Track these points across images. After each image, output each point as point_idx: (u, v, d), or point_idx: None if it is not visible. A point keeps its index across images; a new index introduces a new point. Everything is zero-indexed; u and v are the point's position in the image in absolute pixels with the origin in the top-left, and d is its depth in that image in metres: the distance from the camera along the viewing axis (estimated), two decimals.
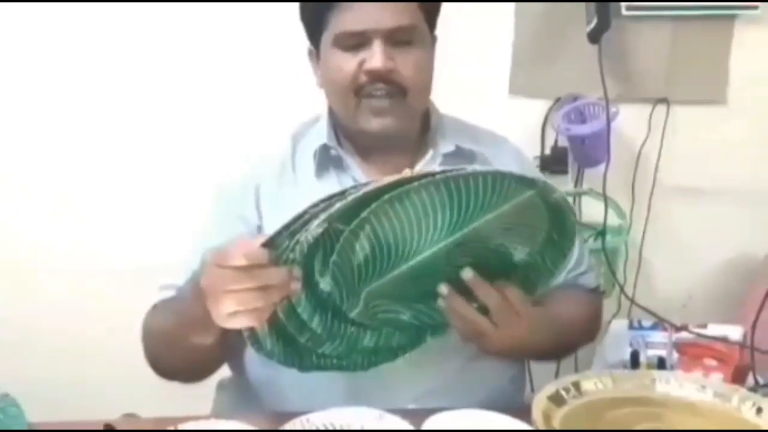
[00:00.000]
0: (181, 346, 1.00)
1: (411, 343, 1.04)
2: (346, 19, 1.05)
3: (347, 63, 1.06)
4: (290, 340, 0.97)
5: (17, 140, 1.79)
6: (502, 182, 0.88)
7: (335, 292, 0.94)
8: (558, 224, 0.96)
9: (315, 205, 0.86)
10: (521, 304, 0.98)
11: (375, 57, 1.04)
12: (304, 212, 0.86)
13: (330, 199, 0.85)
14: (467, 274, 0.96)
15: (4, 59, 1.75)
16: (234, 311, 0.85)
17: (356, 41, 1.05)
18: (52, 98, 1.77)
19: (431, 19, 1.12)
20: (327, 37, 1.08)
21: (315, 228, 0.84)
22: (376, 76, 1.05)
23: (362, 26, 1.04)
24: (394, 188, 0.85)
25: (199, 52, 1.75)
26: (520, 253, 0.98)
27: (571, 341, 1.19)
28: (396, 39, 1.05)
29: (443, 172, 0.85)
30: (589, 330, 1.25)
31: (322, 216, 0.84)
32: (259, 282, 0.84)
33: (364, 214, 0.86)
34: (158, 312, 1.08)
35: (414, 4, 1.07)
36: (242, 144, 1.64)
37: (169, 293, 1.10)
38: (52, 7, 1.72)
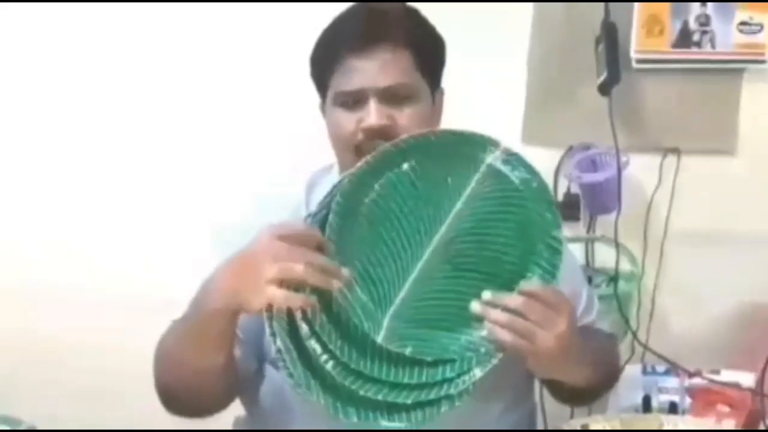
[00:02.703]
0: (191, 365, 1.02)
1: (458, 375, 1.00)
2: (343, 80, 1.12)
3: (347, 121, 1.12)
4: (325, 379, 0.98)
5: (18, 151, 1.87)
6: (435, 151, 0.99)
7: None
8: (535, 199, 1.00)
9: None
10: (549, 294, 0.97)
11: (371, 115, 1.09)
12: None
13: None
14: (485, 295, 0.97)
15: (4, 60, 1.81)
16: (275, 278, 0.90)
17: (354, 100, 1.11)
18: (52, 116, 1.85)
19: (430, 75, 1.16)
20: (330, 95, 1.15)
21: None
22: (372, 134, 1.09)
23: (358, 86, 1.10)
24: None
25: (206, 89, 1.82)
26: (515, 249, 0.99)
27: (602, 372, 1.16)
28: (392, 97, 1.11)
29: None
30: (614, 371, 1.25)
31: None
32: (307, 258, 0.92)
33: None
34: (169, 333, 1.10)
35: (409, 63, 1.12)
36: (257, 187, 1.70)
37: None
38: (52, 9, 1.77)
